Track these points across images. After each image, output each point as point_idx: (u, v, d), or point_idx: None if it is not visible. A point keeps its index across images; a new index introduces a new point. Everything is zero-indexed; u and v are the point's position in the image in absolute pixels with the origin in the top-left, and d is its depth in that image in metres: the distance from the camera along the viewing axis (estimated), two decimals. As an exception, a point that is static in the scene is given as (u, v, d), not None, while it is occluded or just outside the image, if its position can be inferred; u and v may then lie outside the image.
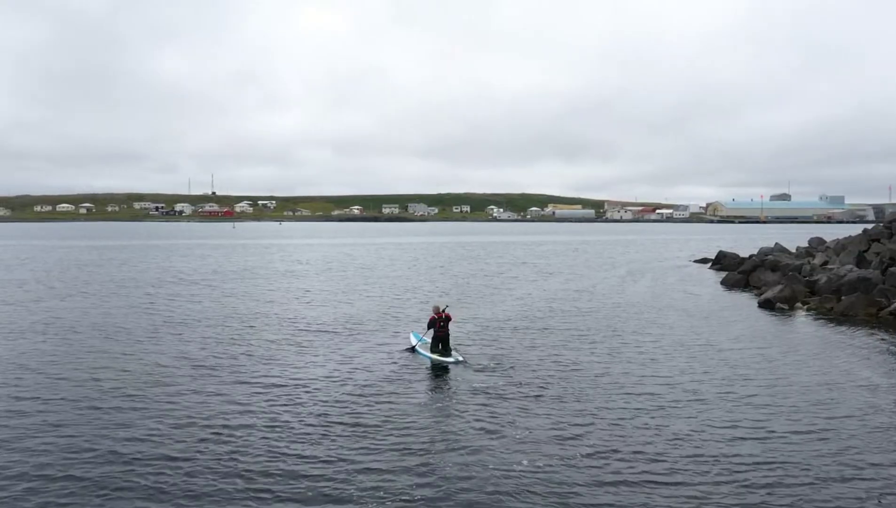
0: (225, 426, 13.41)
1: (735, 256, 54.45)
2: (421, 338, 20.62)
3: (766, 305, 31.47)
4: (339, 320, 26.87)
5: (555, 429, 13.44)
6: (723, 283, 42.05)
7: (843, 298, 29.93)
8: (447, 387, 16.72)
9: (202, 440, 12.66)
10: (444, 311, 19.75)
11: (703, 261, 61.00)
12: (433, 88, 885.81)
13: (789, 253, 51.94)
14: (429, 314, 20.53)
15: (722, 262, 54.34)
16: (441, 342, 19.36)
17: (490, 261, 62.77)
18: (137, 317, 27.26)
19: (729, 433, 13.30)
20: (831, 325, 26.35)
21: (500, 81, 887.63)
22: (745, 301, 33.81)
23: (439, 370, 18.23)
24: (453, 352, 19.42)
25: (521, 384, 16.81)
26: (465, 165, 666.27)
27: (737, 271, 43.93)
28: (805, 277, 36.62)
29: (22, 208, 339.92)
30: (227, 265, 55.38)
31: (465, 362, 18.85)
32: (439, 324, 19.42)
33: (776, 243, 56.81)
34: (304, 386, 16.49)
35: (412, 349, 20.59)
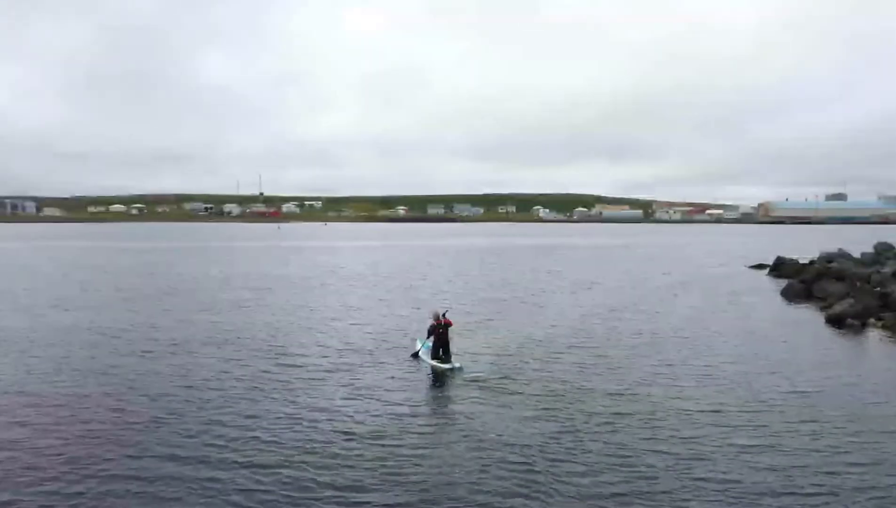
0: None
1: (794, 262, 51.10)
2: (425, 344, 20.18)
3: (835, 321, 28.63)
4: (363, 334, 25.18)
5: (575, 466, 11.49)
6: (783, 294, 39.04)
7: (923, 314, 27.04)
8: (447, 400, 16.49)
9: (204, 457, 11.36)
10: (443, 317, 19.57)
11: (760, 267, 57.52)
12: (478, 88, 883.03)
13: (854, 260, 48.61)
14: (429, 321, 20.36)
15: (780, 268, 51.06)
16: (442, 348, 19.26)
17: (523, 268, 60.35)
18: (180, 330, 25.98)
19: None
20: (914, 347, 23.46)
21: (545, 80, 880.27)
22: (811, 316, 30.81)
23: (440, 380, 18.00)
24: (454, 358, 19.20)
25: (537, 413, 14.84)
26: (511, 165, 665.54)
27: (798, 280, 40.88)
28: (876, 288, 33.59)
29: (76, 208, 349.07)
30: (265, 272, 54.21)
31: (462, 368, 18.76)
32: (439, 331, 19.32)
33: (839, 249, 53.39)
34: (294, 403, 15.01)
35: (416, 355, 20.50)
